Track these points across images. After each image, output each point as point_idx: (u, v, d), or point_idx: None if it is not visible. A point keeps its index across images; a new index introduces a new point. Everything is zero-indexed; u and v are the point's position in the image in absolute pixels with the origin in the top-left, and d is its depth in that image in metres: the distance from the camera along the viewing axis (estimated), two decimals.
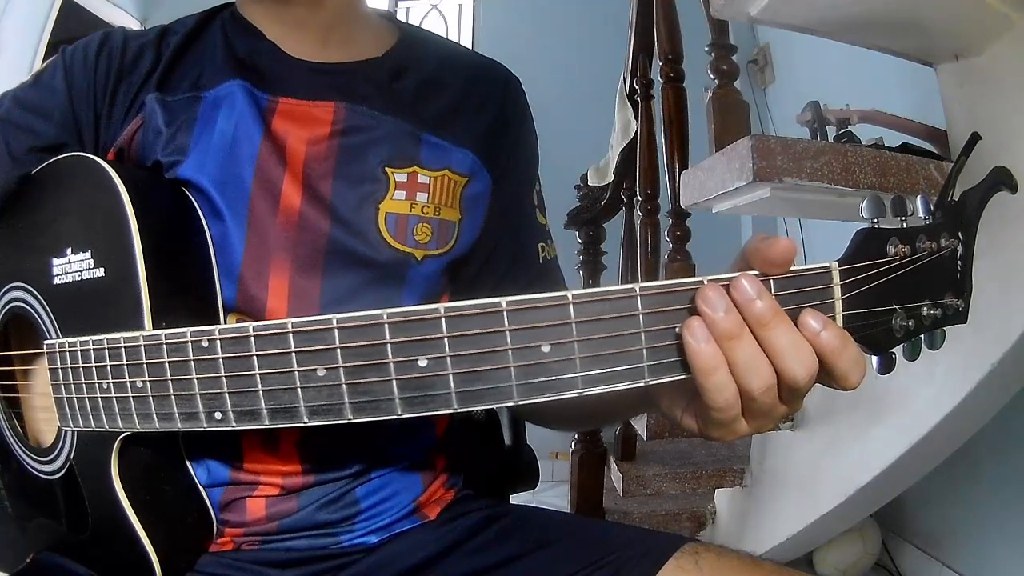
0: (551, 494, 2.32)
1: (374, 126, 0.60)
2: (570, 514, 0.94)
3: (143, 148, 0.58)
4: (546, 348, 0.36)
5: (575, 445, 1.68)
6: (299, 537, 0.59)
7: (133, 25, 2.81)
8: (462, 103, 0.65)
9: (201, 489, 0.56)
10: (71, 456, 0.53)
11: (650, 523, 1.66)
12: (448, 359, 0.37)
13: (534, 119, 0.72)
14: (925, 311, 0.39)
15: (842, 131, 1.46)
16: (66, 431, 0.53)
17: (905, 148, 1.07)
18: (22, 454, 0.58)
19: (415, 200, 0.60)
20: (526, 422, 0.86)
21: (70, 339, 0.50)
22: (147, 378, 0.45)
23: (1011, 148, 0.92)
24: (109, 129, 0.59)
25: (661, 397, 0.45)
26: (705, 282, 0.36)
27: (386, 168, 0.59)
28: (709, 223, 1.43)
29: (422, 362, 0.37)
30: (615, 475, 1.61)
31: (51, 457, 0.55)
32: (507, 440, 0.85)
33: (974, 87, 1.01)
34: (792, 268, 0.37)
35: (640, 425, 1.38)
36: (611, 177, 1.90)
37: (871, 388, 1.20)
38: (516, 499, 0.81)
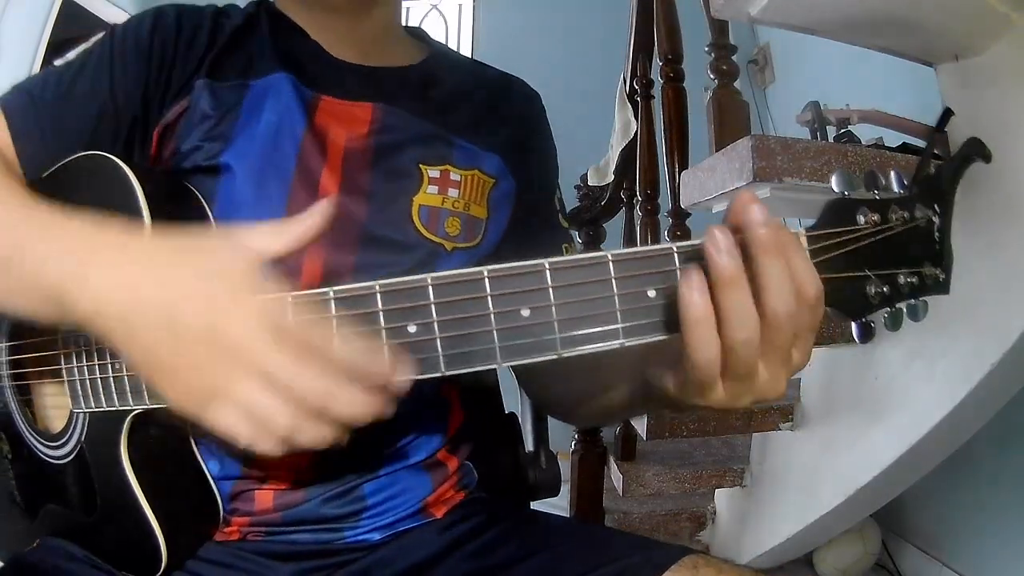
0: None
1: (409, 127, 0.63)
2: (573, 519, 0.94)
3: (186, 130, 0.59)
4: (525, 312, 0.38)
5: (575, 445, 1.68)
6: (304, 531, 0.59)
7: None
8: (488, 114, 0.68)
9: (208, 475, 0.56)
10: (82, 438, 0.54)
11: (650, 523, 1.66)
12: (435, 324, 0.39)
13: None
14: (902, 279, 0.40)
15: (842, 131, 1.47)
16: (77, 415, 0.54)
17: (905, 148, 1.07)
18: (33, 440, 0.59)
19: (447, 195, 0.62)
20: (548, 430, 0.85)
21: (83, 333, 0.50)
22: None
23: (1011, 148, 0.93)
24: (161, 110, 0.60)
25: (655, 369, 0.45)
26: (675, 248, 0.39)
27: (420, 164, 0.62)
28: (709, 223, 1.43)
29: (412, 327, 0.39)
30: (615, 475, 1.61)
31: (62, 442, 0.56)
32: (529, 446, 0.84)
33: (974, 87, 1.01)
34: None
35: (640, 425, 1.38)
36: (611, 177, 1.90)
37: (871, 388, 1.21)
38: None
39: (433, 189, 0.62)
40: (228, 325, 0.37)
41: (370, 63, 0.65)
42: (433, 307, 0.39)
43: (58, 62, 0.61)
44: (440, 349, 0.39)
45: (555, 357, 0.39)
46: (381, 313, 0.39)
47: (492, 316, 0.38)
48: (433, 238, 0.61)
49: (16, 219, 0.46)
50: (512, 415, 0.80)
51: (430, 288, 0.38)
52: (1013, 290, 0.93)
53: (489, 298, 0.38)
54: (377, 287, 0.39)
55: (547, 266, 0.38)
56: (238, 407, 0.38)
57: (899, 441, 1.14)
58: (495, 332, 0.38)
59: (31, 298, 0.44)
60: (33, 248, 0.43)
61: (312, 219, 0.42)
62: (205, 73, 0.60)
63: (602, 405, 0.59)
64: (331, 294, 0.39)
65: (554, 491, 0.82)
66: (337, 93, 0.62)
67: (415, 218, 0.61)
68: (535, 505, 0.79)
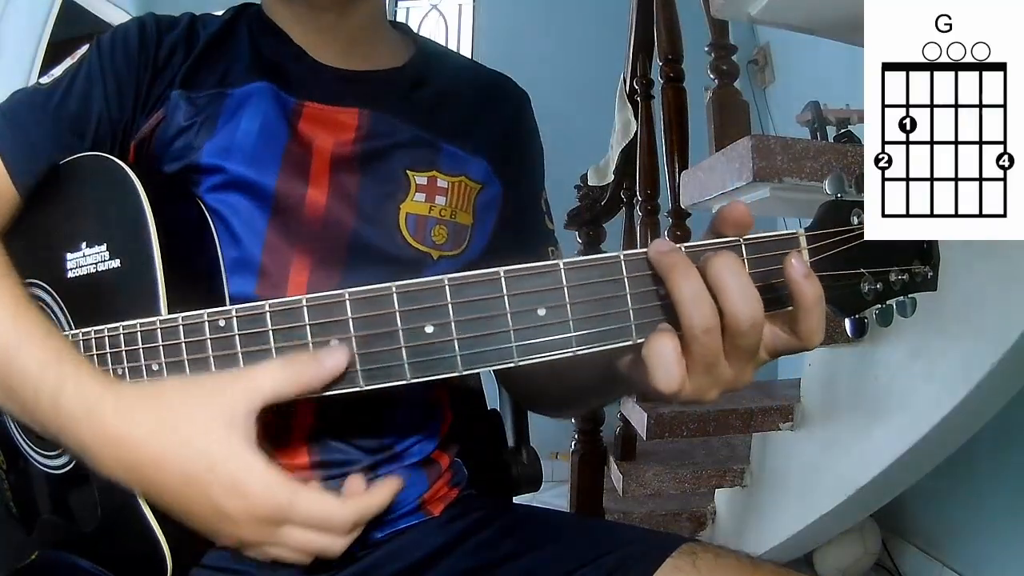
0: (551, 494, 2.32)
1: (395, 132, 0.62)
2: (570, 513, 0.95)
3: (162, 141, 0.58)
4: (429, 329, 0.40)
5: (575, 445, 1.68)
6: None
7: None
8: (476, 115, 0.67)
9: None
10: None
11: (650, 523, 1.66)
12: (452, 324, 0.40)
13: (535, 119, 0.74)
14: (893, 276, 0.42)
15: (842, 131, 1.47)
16: None
17: None
18: (29, 450, 0.58)
19: (434, 203, 0.62)
20: (528, 425, 0.86)
21: (83, 329, 0.50)
22: (163, 360, 0.46)
23: None
24: (137, 122, 0.60)
25: (623, 361, 0.46)
26: (682, 249, 0.40)
27: (407, 171, 0.62)
28: (709, 223, 1.43)
29: (429, 328, 0.40)
30: (615, 475, 1.61)
31: (59, 451, 0.55)
32: (510, 441, 0.85)
33: None
34: (761, 234, 0.40)
35: (640, 425, 1.38)
36: (611, 177, 1.90)
37: (871, 388, 1.20)
38: (517, 499, 0.81)
39: (420, 196, 0.61)
40: (248, 488, 0.42)
41: (355, 66, 0.64)
42: (451, 307, 0.40)
43: (43, 79, 0.60)
44: (458, 349, 0.40)
45: (571, 355, 0.40)
46: (398, 314, 0.40)
47: (509, 316, 0.39)
48: (420, 247, 0.61)
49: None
50: (494, 412, 0.81)
51: (447, 288, 0.40)
52: (1013, 290, 0.93)
53: (506, 298, 0.39)
54: (394, 288, 0.40)
55: (562, 266, 0.39)
56: (292, 549, 0.44)
57: (899, 441, 1.14)
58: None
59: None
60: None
61: (335, 360, 0.41)
62: (180, 84, 0.59)
63: (583, 400, 0.60)
64: (346, 296, 0.41)
65: (535, 485, 0.83)
66: (321, 98, 0.61)
67: (402, 226, 0.60)
68: (516, 499, 0.80)
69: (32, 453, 0.58)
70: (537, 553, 0.59)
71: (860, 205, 0.41)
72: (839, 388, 1.30)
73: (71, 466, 0.54)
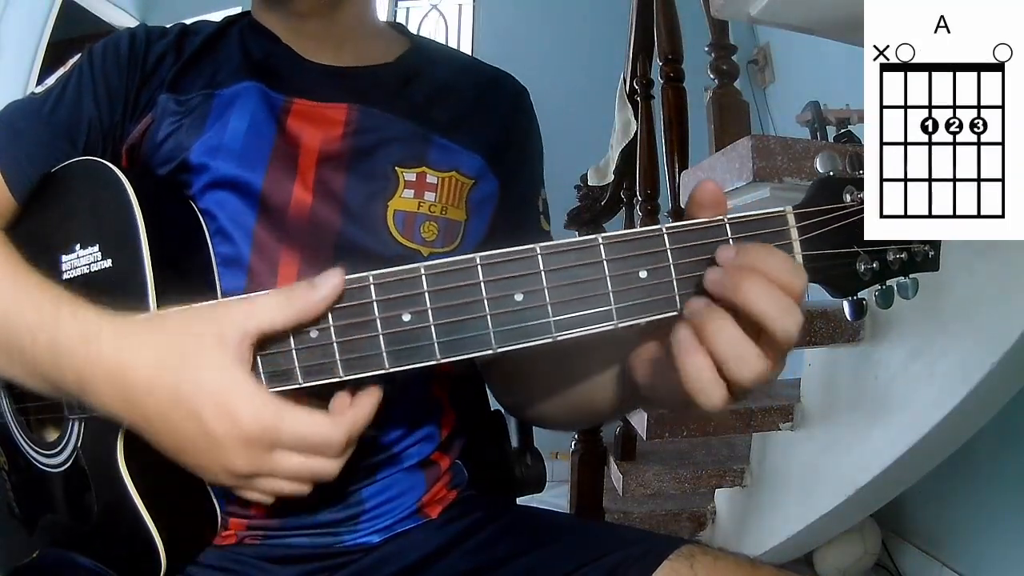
0: (551, 494, 2.31)
1: (385, 127, 0.62)
2: (569, 515, 0.94)
3: (152, 144, 0.59)
4: (519, 297, 0.39)
5: (575, 445, 1.68)
6: (301, 534, 0.59)
7: (132, 25, 2.80)
8: (472, 110, 0.66)
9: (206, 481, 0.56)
10: (78, 446, 0.54)
11: (650, 523, 1.66)
12: (429, 312, 0.39)
13: None
14: (891, 255, 0.40)
15: (842, 131, 1.47)
16: (72, 422, 0.54)
17: None
18: (28, 450, 0.59)
19: (423, 199, 0.61)
20: (532, 427, 0.86)
21: None
22: None
23: None
24: (128, 129, 0.60)
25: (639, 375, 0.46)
26: (664, 230, 0.39)
27: (396, 167, 0.61)
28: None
29: (406, 316, 0.40)
30: (615, 475, 1.61)
31: (57, 450, 0.56)
32: (514, 443, 0.84)
33: None
34: (747, 213, 0.39)
35: (640, 425, 1.38)
36: (611, 177, 1.90)
37: (871, 388, 1.20)
38: (518, 499, 0.81)
39: (409, 193, 0.61)
40: (239, 415, 0.40)
41: (344, 63, 0.64)
42: (427, 295, 0.40)
43: (37, 89, 0.61)
44: (435, 337, 0.40)
45: (551, 341, 0.39)
46: (375, 304, 0.40)
47: (486, 302, 0.39)
48: (409, 244, 0.60)
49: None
50: (497, 412, 0.80)
51: (423, 277, 0.40)
52: (1013, 290, 0.93)
53: (482, 284, 0.39)
54: (371, 278, 0.40)
55: (539, 250, 0.39)
56: (286, 477, 0.43)
57: (899, 441, 1.14)
58: (488, 318, 0.40)
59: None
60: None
61: (325, 291, 0.41)
62: (168, 87, 0.60)
63: (569, 404, 0.59)
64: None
65: (539, 487, 0.83)
66: (310, 95, 0.61)
67: (390, 224, 0.60)
68: (523, 500, 0.79)
69: (33, 452, 0.58)
70: (536, 554, 0.59)
71: (853, 182, 0.40)
72: (839, 388, 1.30)
73: (69, 464, 0.55)
